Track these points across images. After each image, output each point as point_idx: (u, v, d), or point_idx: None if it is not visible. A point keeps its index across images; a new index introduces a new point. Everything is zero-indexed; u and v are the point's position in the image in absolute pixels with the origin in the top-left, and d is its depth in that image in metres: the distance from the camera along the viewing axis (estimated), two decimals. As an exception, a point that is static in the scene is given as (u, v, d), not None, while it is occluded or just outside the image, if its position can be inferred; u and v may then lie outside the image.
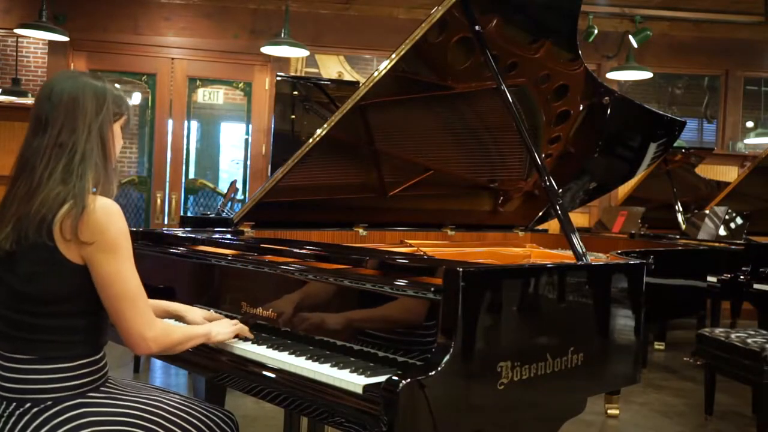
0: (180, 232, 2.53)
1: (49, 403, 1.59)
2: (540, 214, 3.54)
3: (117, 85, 1.76)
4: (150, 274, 2.32)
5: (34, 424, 1.57)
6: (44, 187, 1.59)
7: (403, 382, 1.40)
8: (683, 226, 5.33)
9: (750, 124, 8.13)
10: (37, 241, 1.56)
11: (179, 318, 2.00)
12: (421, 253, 2.56)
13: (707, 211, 5.11)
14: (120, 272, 1.59)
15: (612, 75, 6.70)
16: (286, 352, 1.75)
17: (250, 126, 7.11)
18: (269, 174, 6.03)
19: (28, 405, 1.59)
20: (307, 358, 1.70)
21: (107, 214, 1.59)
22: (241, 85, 7.14)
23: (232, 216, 2.84)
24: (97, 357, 1.69)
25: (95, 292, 1.62)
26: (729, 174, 7.32)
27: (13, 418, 1.59)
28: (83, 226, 1.55)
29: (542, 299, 1.75)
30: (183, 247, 2.33)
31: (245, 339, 1.89)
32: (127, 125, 1.79)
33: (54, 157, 1.61)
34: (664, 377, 4.88)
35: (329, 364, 1.63)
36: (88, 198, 1.58)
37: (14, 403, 1.59)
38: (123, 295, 1.60)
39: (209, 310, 2.09)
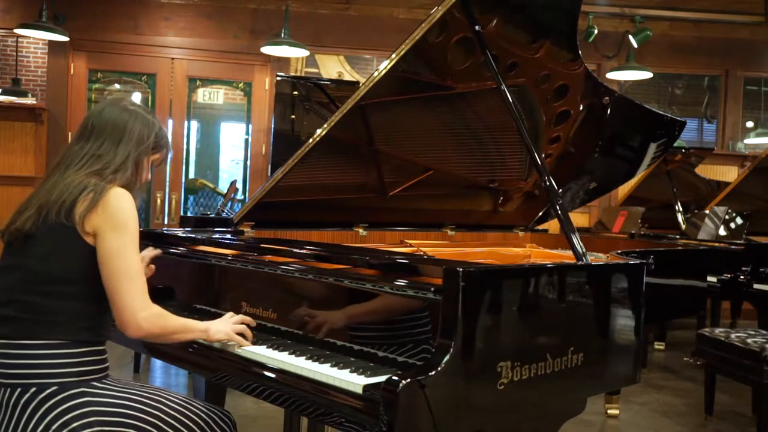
0: (180, 232, 2.54)
1: (55, 388, 1.62)
2: (540, 214, 3.54)
3: (161, 128, 1.91)
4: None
5: (40, 412, 1.60)
6: (70, 179, 1.71)
7: (403, 382, 1.40)
8: (683, 226, 5.33)
9: (750, 124, 8.12)
10: (57, 221, 1.66)
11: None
12: (421, 253, 2.56)
13: (707, 211, 5.11)
14: (122, 249, 1.68)
15: (612, 75, 6.70)
16: (286, 352, 1.75)
17: (250, 126, 7.11)
18: (269, 174, 6.03)
19: (33, 390, 1.61)
20: (307, 358, 1.70)
21: (120, 198, 1.71)
22: (241, 85, 7.14)
23: (232, 216, 2.84)
24: (101, 348, 1.75)
25: None
26: (729, 174, 7.32)
27: (20, 406, 1.61)
28: (98, 207, 1.67)
29: (542, 299, 1.75)
30: (183, 247, 2.33)
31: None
32: (161, 164, 1.95)
33: (89, 163, 1.75)
34: (664, 377, 4.88)
35: (329, 364, 1.64)
36: (107, 187, 1.71)
37: (19, 389, 1.62)
38: (123, 272, 1.67)
39: (210, 310, 2.09)
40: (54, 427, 1.58)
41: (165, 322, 1.74)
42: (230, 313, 1.93)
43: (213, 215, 5.90)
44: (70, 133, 6.63)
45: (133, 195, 1.78)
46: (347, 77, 7.80)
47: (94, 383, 1.68)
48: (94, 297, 1.71)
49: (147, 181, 1.91)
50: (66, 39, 6.09)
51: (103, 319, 1.75)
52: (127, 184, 1.77)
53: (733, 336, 3.50)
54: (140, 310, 1.68)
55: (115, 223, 1.68)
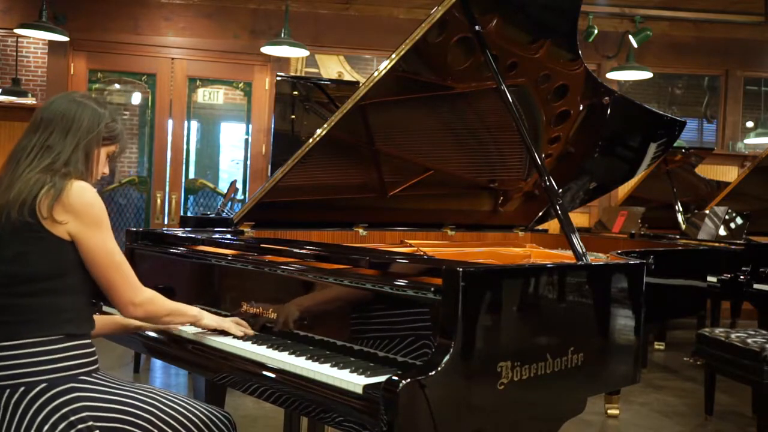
0: (180, 232, 2.54)
1: (43, 386, 1.62)
2: (540, 214, 3.54)
3: (113, 119, 1.86)
4: (150, 274, 2.33)
5: (31, 411, 1.59)
6: (24, 177, 1.69)
7: (403, 382, 1.40)
8: (683, 226, 5.33)
9: (750, 124, 8.13)
10: (19, 220, 1.65)
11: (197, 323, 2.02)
12: (421, 253, 2.56)
13: (707, 211, 5.11)
14: (106, 243, 1.72)
15: (612, 75, 6.70)
16: (286, 352, 1.76)
17: (250, 126, 7.11)
18: (269, 174, 6.03)
19: (21, 390, 1.61)
20: (307, 358, 1.70)
21: (85, 194, 1.70)
22: (241, 85, 7.14)
23: (232, 216, 2.84)
24: (86, 341, 1.75)
25: (81, 268, 1.72)
26: (729, 174, 7.32)
27: (11, 407, 1.61)
28: (59, 206, 1.66)
29: (542, 299, 1.75)
30: (183, 247, 2.33)
31: (238, 336, 1.91)
32: (115, 157, 1.91)
33: (39, 156, 1.73)
34: (664, 377, 4.89)
35: (329, 364, 1.64)
36: (66, 182, 1.69)
37: (8, 390, 1.62)
38: (110, 264, 1.72)
39: (210, 310, 2.09)
40: (46, 427, 1.58)
41: (157, 307, 1.83)
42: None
43: (213, 215, 5.90)
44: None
45: None
46: (347, 77, 7.81)
47: (83, 377, 1.68)
48: (73, 288, 1.71)
49: (105, 175, 1.90)
50: (66, 39, 6.09)
51: (84, 310, 1.76)
52: (80, 177, 1.74)
53: (733, 336, 3.50)
54: (135, 297, 1.77)
55: (90, 220, 1.69)
